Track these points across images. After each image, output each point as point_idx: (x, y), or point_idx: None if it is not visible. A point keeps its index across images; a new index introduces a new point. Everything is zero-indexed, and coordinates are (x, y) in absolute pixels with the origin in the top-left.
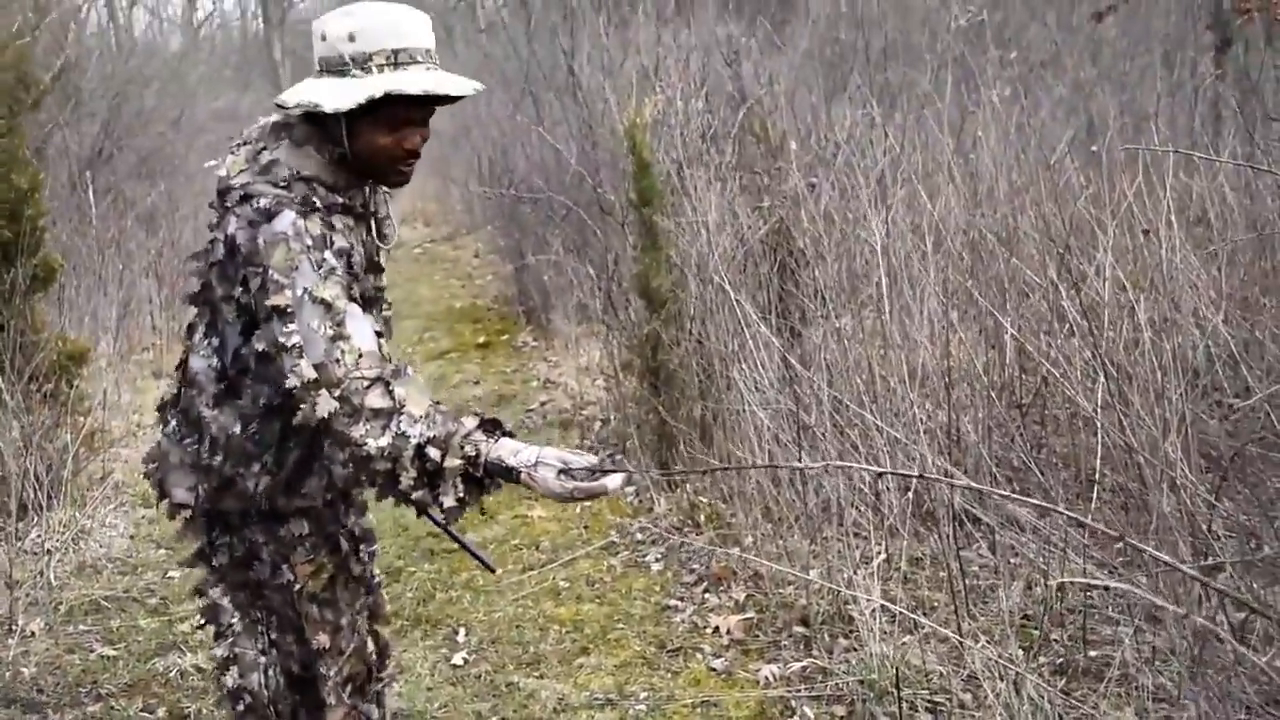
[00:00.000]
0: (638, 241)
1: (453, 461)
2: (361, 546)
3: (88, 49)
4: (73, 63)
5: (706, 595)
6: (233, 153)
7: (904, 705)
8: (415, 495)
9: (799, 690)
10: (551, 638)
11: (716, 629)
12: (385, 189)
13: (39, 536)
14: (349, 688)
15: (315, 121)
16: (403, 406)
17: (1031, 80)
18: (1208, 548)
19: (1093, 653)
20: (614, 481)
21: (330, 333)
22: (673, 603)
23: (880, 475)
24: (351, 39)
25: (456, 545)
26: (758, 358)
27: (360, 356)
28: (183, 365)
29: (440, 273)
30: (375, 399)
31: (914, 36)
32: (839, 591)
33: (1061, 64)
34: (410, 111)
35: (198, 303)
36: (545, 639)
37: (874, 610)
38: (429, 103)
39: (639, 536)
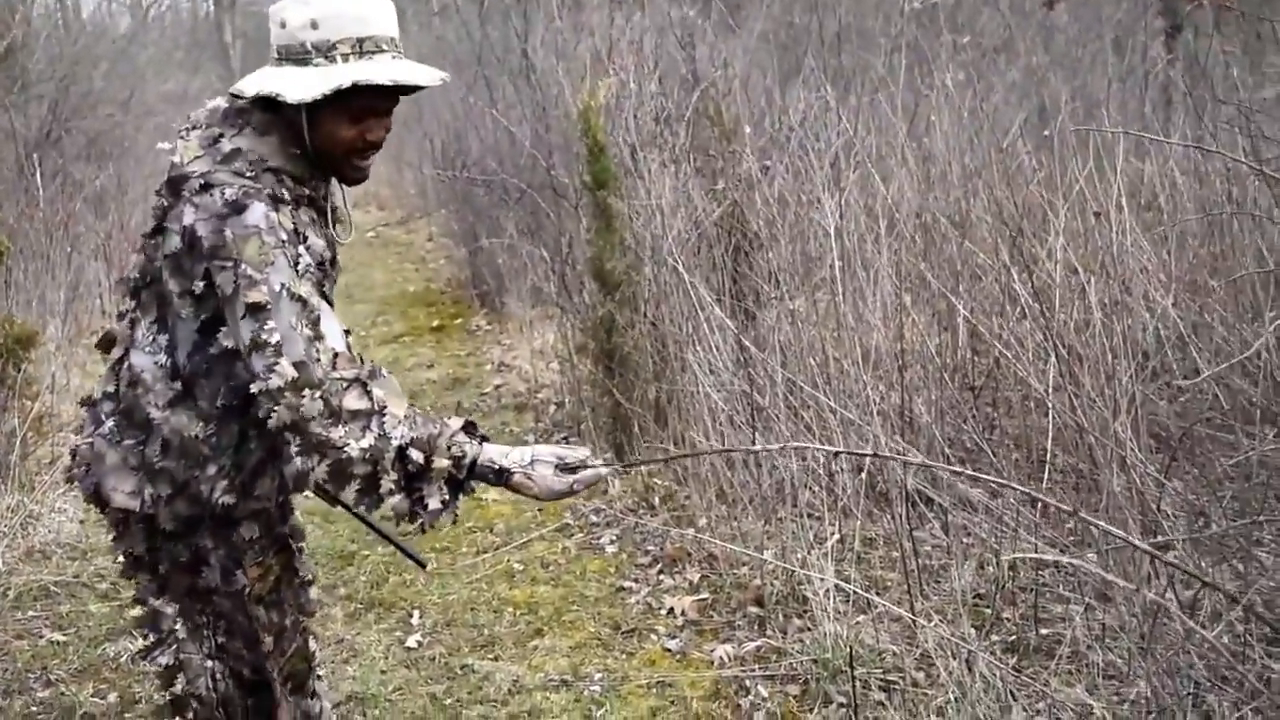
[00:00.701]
0: (592, 224)
1: (441, 462)
2: (298, 544)
3: (35, 30)
4: (20, 43)
5: (661, 576)
6: (183, 137)
7: (858, 684)
8: (393, 499)
9: (753, 670)
10: (506, 620)
11: (671, 610)
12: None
13: None
14: (289, 685)
15: (273, 109)
16: (383, 408)
17: (984, 65)
18: (1157, 526)
19: (1044, 631)
20: (604, 469)
21: (309, 331)
22: (627, 584)
23: (835, 456)
24: (314, 26)
25: (385, 540)
26: (712, 340)
27: (335, 356)
28: (119, 361)
29: (394, 257)
30: (354, 400)
31: (868, 21)
32: (793, 572)
33: (1014, 49)
34: (375, 101)
35: (139, 295)
36: (500, 621)
37: (828, 590)
38: (396, 93)
39: (594, 519)
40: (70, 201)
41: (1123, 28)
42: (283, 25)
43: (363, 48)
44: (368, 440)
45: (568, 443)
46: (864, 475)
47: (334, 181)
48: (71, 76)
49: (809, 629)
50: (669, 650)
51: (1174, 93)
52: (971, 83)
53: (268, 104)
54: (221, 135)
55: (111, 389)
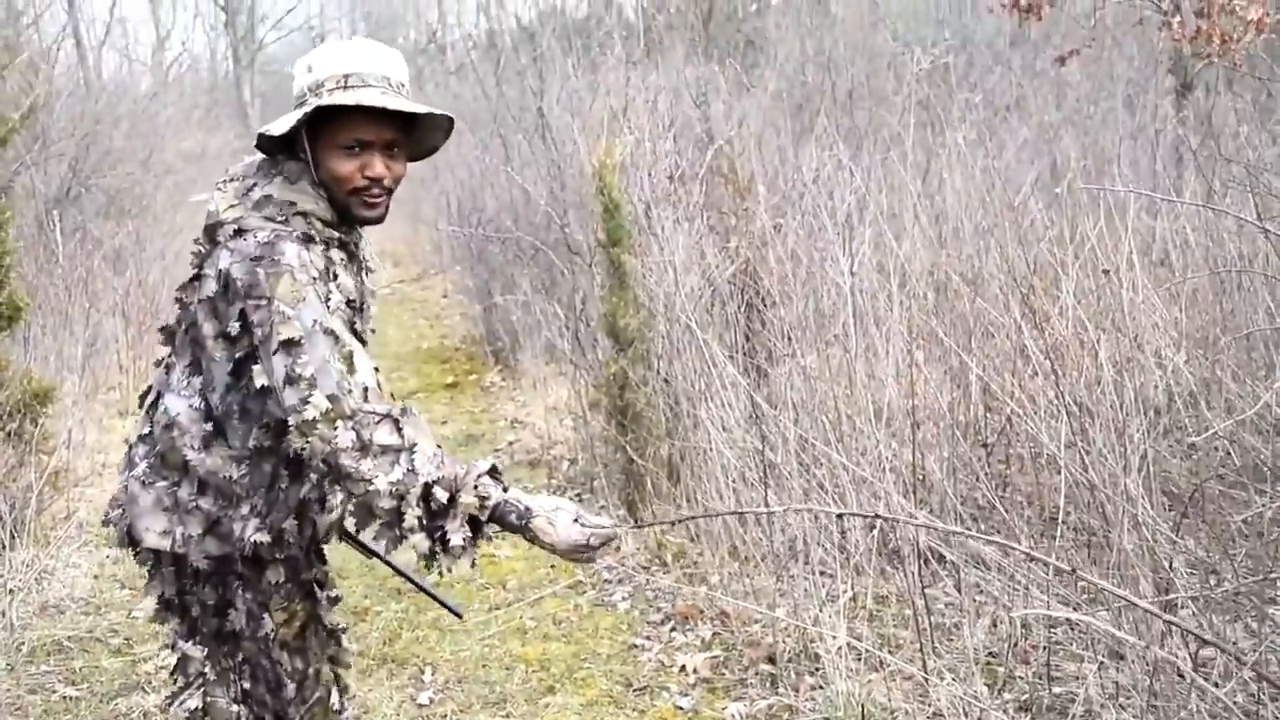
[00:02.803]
0: (605, 281)
1: (466, 499)
2: (326, 593)
3: (57, 89)
4: (42, 103)
5: (673, 634)
6: (220, 189)
7: None
8: (414, 537)
9: None
10: (518, 677)
11: (683, 667)
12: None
13: (1, 576)
14: None
15: (300, 157)
16: (413, 445)
17: (996, 123)
18: (1169, 583)
19: (1057, 689)
20: (620, 528)
21: (341, 366)
22: (639, 641)
23: (840, 517)
24: (309, 70)
25: (419, 590)
26: (724, 397)
27: (366, 391)
28: (154, 405)
29: (408, 313)
30: (384, 435)
31: (880, 80)
32: (805, 629)
33: (1026, 107)
34: (362, 133)
35: (174, 341)
36: (511, 678)
37: (840, 648)
38: (388, 127)
39: (606, 575)
40: (89, 258)
41: (1134, 86)
42: (293, 78)
43: (347, 82)
44: (396, 474)
45: (581, 500)
46: (876, 533)
47: (363, 233)
48: (92, 135)
49: (821, 687)
50: (681, 708)
51: (1184, 150)
52: (983, 141)
53: (295, 152)
54: (255, 184)
55: (146, 431)
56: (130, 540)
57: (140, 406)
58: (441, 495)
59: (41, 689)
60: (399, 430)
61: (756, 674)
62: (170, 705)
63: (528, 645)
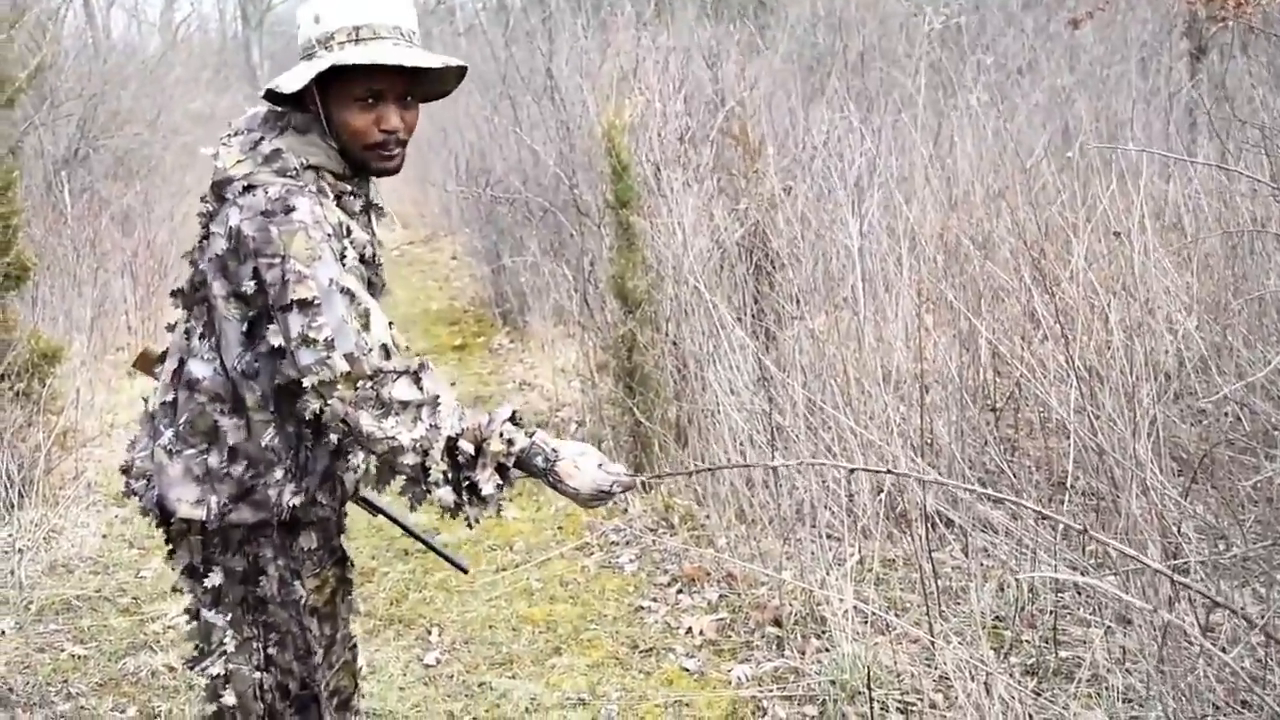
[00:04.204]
0: (614, 243)
1: (495, 445)
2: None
3: (64, 50)
4: (49, 63)
5: (680, 596)
6: (225, 144)
7: (875, 705)
8: (440, 491)
9: (771, 690)
10: (524, 638)
11: (689, 629)
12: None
13: (10, 535)
14: (335, 701)
15: (308, 109)
16: (435, 398)
17: (1008, 86)
18: (1177, 549)
19: (1064, 653)
20: (639, 477)
21: (358, 324)
22: (646, 603)
23: (853, 472)
24: (317, 21)
25: (426, 548)
26: (733, 359)
27: (384, 349)
28: (177, 372)
29: (417, 275)
30: (404, 391)
31: (892, 42)
32: (812, 592)
33: (1038, 70)
34: (378, 86)
35: (189, 303)
36: (518, 639)
37: (846, 611)
38: (403, 79)
39: (613, 537)
40: (97, 219)
41: (1148, 49)
42: (298, 27)
43: (359, 35)
44: (419, 430)
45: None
46: (884, 496)
47: (374, 181)
48: (100, 96)
49: (827, 650)
50: (687, 670)
51: (1198, 114)
52: (995, 103)
53: (304, 103)
54: (262, 138)
55: (169, 399)
56: (161, 511)
57: (129, 373)
58: (467, 447)
59: (50, 647)
60: (419, 385)
61: (763, 636)
62: (191, 669)
63: (534, 606)
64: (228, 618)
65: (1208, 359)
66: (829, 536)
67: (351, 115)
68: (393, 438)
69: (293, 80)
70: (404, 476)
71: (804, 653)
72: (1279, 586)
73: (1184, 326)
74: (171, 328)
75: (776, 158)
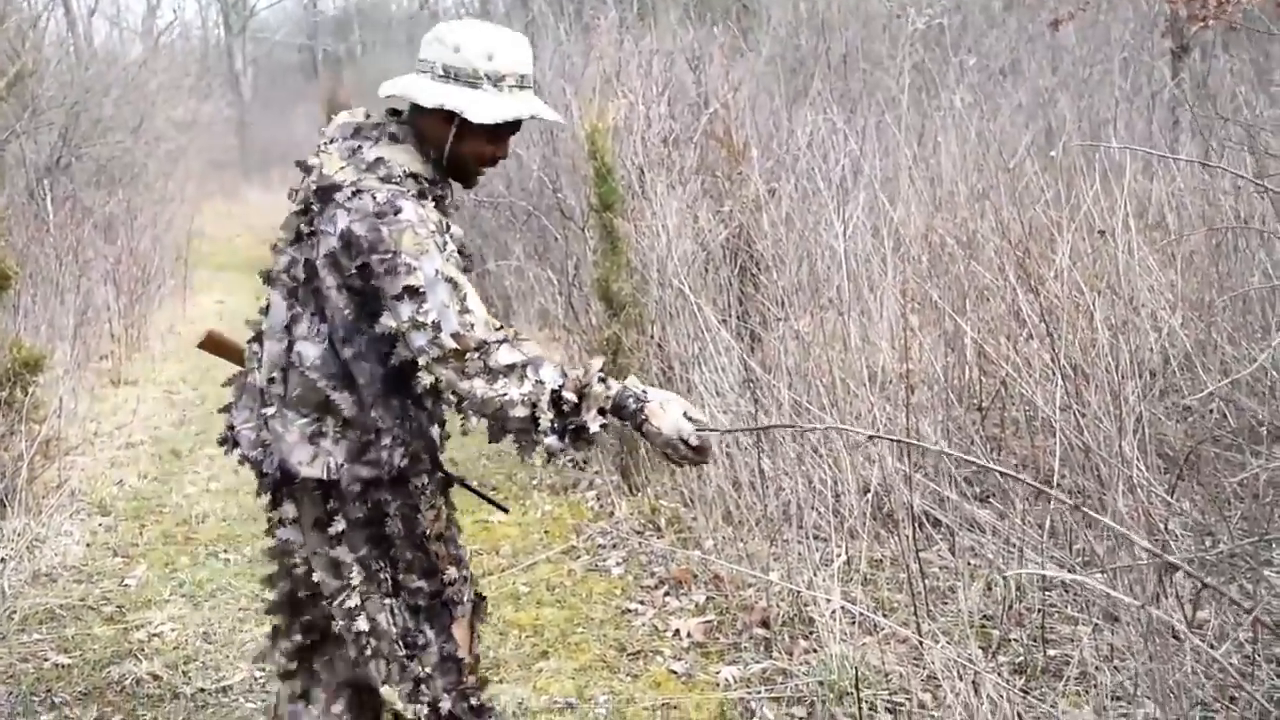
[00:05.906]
0: (598, 246)
1: (597, 388)
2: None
3: (46, 58)
4: (30, 71)
5: (667, 598)
6: (324, 151)
7: (864, 706)
8: (548, 439)
9: (759, 692)
10: (511, 642)
11: (677, 632)
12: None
13: None
14: (468, 609)
15: (405, 119)
16: (535, 358)
17: (991, 86)
18: (1164, 545)
19: (1052, 652)
20: (719, 431)
21: (459, 307)
22: (633, 606)
23: (872, 439)
24: (490, 58)
25: (466, 489)
26: (718, 361)
27: (485, 324)
28: (286, 353)
29: None
30: (506, 356)
31: (875, 44)
32: (799, 593)
33: (1021, 70)
34: (514, 127)
35: (296, 294)
36: (505, 643)
37: (834, 611)
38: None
39: (600, 540)
40: (79, 227)
41: (1130, 48)
42: (456, 50)
43: (523, 83)
44: (526, 387)
45: (575, 466)
46: (870, 496)
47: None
48: (82, 103)
49: (815, 650)
50: (674, 672)
51: (1181, 113)
52: (979, 103)
53: (398, 114)
54: (360, 146)
55: (276, 375)
56: (284, 474)
57: (199, 348)
58: (570, 396)
59: (34, 657)
60: (518, 348)
61: (750, 638)
62: (331, 605)
63: (521, 610)
64: (354, 555)
65: (1192, 356)
66: (816, 537)
67: (484, 144)
68: (504, 394)
69: (482, 111)
70: (514, 431)
71: (792, 654)
72: (1265, 582)
73: (1169, 324)
74: (265, 311)
75: (760, 160)
